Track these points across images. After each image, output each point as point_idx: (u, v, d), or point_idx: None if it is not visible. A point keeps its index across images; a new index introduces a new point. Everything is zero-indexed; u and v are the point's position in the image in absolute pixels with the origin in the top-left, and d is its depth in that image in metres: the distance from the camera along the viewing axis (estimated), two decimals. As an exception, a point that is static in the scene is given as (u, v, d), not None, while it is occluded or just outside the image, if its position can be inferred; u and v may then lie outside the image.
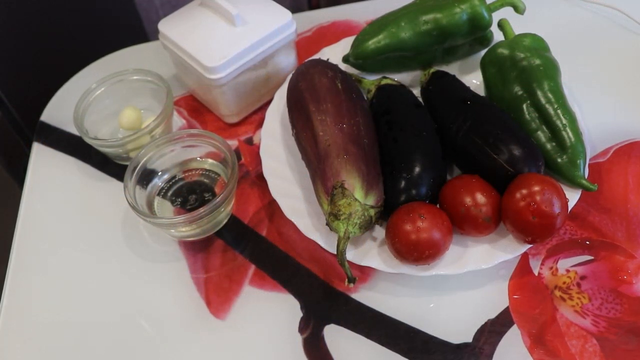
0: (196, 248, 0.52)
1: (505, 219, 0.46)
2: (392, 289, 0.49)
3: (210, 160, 0.56)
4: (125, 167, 0.52)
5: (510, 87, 0.53)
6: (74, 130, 0.61)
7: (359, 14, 0.72)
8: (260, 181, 0.56)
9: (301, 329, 0.47)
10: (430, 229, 0.44)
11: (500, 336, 0.46)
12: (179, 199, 0.54)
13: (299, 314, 0.48)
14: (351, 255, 0.48)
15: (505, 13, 0.58)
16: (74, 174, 0.59)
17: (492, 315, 0.47)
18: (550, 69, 0.53)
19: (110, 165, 0.59)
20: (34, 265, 0.52)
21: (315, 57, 0.61)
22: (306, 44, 0.69)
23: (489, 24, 0.57)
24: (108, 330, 0.48)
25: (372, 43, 0.58)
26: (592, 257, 0.50)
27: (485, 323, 0.47)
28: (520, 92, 0.53)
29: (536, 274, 0.49)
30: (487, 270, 0.48)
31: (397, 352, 0.46)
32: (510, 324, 0.46)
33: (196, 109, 0.64)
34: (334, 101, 0.51)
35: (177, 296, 0.50)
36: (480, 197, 0.46)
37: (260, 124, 0.60)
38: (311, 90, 0.53)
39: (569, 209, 0.48)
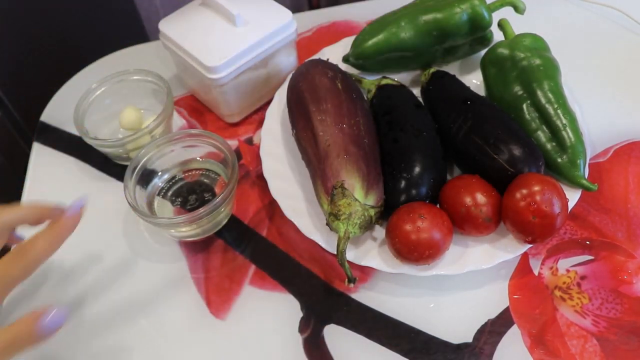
0: (196, 248, 0.52)
1: (505, 219, 0.46)
2: (392, 289, 0.49)
3: (210, 161, 0.56)
4: (125, 167, 0.52)
5: (511, 87, 0.53)
6: (74, 130, 0.61)
7: (359, 14, 0.72)
8: (260, 181, 0.56)
9: (301, 329, 0.47)
10: (430, 229, 0.44)
11: (501, 336, 0.46)
12: (179, 199, 0.54)
13: (299, 314, 0.48)
14: (351, 255, 0.48)
15: (505, 13, 0.58)
16: (74, 174, 0.59)
17: (493, 315, 0.47)
18: (551, 69, 0.53)
19: (110, 165, 0.59)
20: (34, 265, 0.52)
21: (315, 57, 0.61)
22: (306, 44, 0.69)
23: (489, 24, 0.57)
24: (108, 329, 0.48)
25: (372, 43, 0.58)
26: (592, 257, 0.50)
27: (486, 323, 0.47)
28: (520, 92, 0.53)
29: (536, 274, 0.49)
30: (487, 270, 0.48)
31: (397, 352, 0.46)
32: (510, 324, 0.46)
33: (196, 109, 0.64)
34: (334, 101, 0.51)
35: (178, 296, 0.50)
36: (480, 197, 0.46)
37: (260, 124, 0.60)
38: (311, 90, 0.53)
39: (569, 209, 0.48)
